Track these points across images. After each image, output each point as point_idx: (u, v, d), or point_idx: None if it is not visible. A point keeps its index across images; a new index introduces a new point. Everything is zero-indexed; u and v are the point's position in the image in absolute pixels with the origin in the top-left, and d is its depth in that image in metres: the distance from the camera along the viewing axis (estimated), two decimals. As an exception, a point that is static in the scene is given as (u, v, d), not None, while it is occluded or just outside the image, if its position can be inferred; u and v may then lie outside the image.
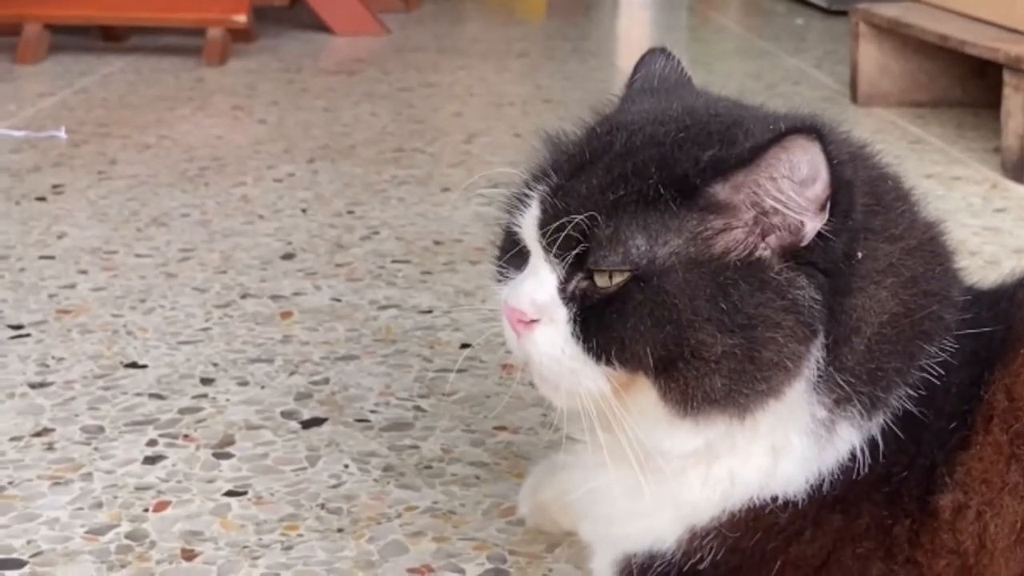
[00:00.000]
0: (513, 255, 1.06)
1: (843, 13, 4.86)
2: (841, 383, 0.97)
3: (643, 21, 6.34)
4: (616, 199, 0.97)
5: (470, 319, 1.95)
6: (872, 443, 0.99)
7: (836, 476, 0.99)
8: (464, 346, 1.85)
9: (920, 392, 0.99)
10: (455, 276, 2.15)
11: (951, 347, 1.00)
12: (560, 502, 1.26)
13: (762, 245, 0.96)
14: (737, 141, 0.98)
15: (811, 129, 0.94)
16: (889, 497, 0.99)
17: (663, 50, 1.18)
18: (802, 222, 0.95)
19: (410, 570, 1.28)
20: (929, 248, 1.03)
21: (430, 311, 1.99)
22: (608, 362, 0.97)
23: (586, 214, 0.96)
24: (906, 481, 0.99)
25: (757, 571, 1.01)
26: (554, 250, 0.99)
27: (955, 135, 3.25)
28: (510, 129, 3.36)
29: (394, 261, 2.23)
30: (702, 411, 0.97)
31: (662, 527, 1.03)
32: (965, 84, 3.57)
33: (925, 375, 0.99)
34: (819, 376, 0.97)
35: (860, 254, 0.97)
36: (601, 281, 0.97)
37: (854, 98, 3.67)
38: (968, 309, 1.04)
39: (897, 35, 3.55)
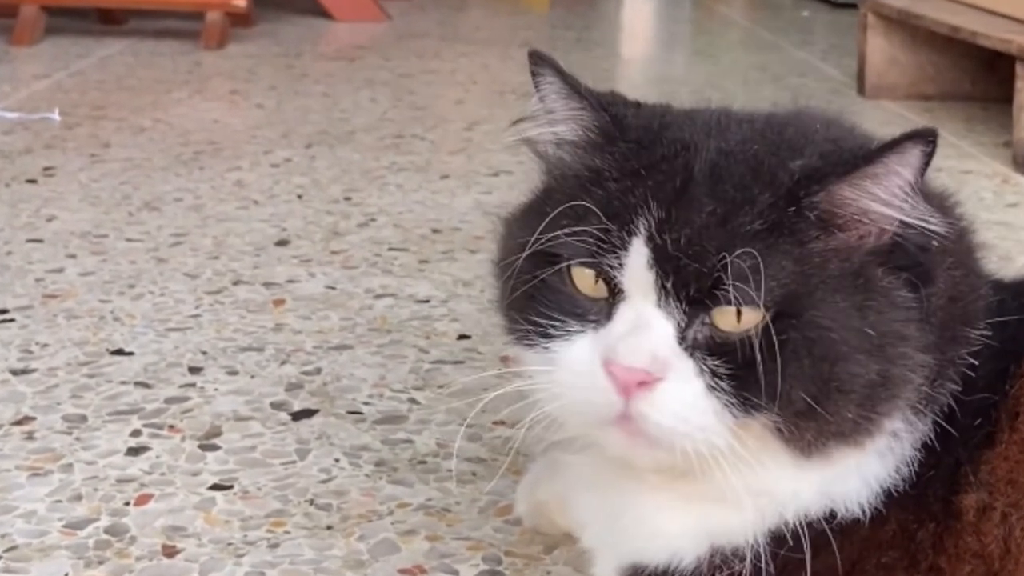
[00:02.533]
0: (564, 304, 0.92)
1: (849, 6, 4.81)
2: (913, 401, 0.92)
3: (648, 13, 6.27)
4: (743, 226, 0.87)
5: (468, 309, 1.89)
6: (924, 447, 0.93)
7: (889, 484, 0.93)
8: (462, 337, 1.79)
9: (958, 385, 0.93)
10: (453, 265, 2.09)
11: (986, 335, 0.94)
12: (559, 501, 1.21)
13: (865, 252, 0.89)
14: (805, 146, 0.91)
15: (928, 135, 0.87)
16: (916, 499, 0.93)
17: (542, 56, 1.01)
18: (894, 221, 0.89)
19: (401, 570, 1.23)
20: (958, 221, 0.98)
21: (427, 300, 1.93)
22: (751, 413, 0.87)
23: (719, 248, 0.86)
24: (932, 481, 0.93)
25: None
26: (679, 293, 0.87)
27: (965, 129, 3.20)
28: (512, 117, 3.28)
29: (391, 249, 2.17)
30: (826, 448, 0.89)
31: (684, 545, 0.97)
32: (975, 77, 3.52)
33: (964, 366, 0.93)
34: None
35: (935, 241, 0.91)
36: (726, 324, 0.87)
37: (861, 90, 3.61)
38: (994, 299, 0.98)
39: (906, 26, 3.49)
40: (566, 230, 0.91)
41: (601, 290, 0.91)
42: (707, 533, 0.96)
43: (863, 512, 0.93)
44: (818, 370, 0.86)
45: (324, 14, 5.01)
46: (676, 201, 0.88)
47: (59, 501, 1.33)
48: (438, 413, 1.55)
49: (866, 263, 0.89)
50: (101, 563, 1.22)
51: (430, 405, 1.57)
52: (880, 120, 3.26)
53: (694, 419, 0.87)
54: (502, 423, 1.52)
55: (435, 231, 2.28)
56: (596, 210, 0.90)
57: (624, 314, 0.89)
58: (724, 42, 5.26)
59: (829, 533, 0.93)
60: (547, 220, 0.92)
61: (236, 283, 1.99)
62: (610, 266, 0.89)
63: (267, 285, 1.98)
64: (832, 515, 0.93)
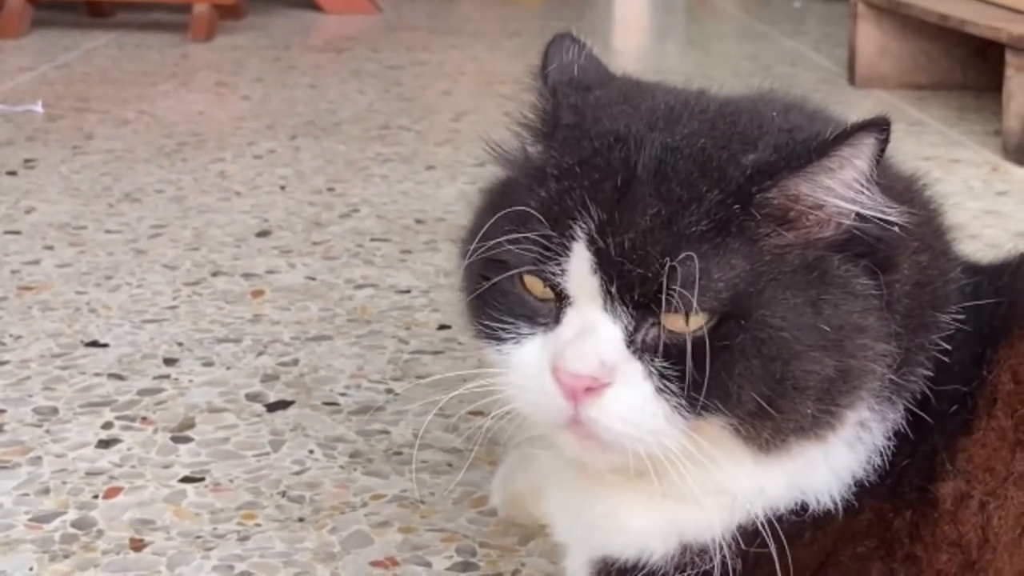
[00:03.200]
0: (516, 306, 0.90)
1: (842, -5, 4.79)
2: (880, 391, 0.89)
3: (640, 2, 6.25)
4: (688, 228, 0.83)
5: (449, 299, 1.86)
6: (897, 435, 0.90)
7: (860, 474, 0.90)
8: (442, 327, 1.77)
9: (930, 371, 0.91)
10: (436, 255, 2.07)
11: (958, 319, 0.92)
12: (535, 492, 1.18)
13: (821, 244, 0.86)
14: (758, 138, 0.88)
15: (881, 124, 0.85)
16: (891, 488, 0.90)
17: (569, 35, 1.01)
18: (851, 211, 0.86)
19: (373, 563, 1.20)
20: (926, 204, 0.95)
21: (408, 291, 1.91)
22: (702, 415, 0.84)
23: (664, 252, 0.83)
24: (907, 470, 0.90)
25: None
26: (623, 297, 0.84)
27: (955, 117, 3.17)
28: (500, 108, 3.27)
29: (373, 239, 2.15)
30: (786, 444, 0.87)
31: (652, 541, 0.94)
32: (966, 66, 3.49)
33: (936, 352, 0.91)
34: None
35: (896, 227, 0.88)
36: (674, 325, 0.84)
37: (852, 80, 3.59)
38: (968, 282, 0.96)
39: (897, 15, 3.47)
40: (508, 237, 0.88)
41: (550, 292, 0.88)
42: (675, 529, 0.93)
43: (835, 504, 0.90)
44: (769, 370, 0.83)
45: (314, 7, 4.99)
46: (619, 202, 0.85)
47: (26, 494, 1.30)
48: (415, 404, 1.52)
49: (822, 255, 0.86)
50: (67, 557, 1.20)
51: (408, 396, 1.55)
52: (871, 110, 3.21)
53: (644, 423, 0.85)
54: (479, 413, 1.49)
55: (419, 221, 2.26)
56: (537, 215, 0.87)
57: (571, 318, 0.87)
58: (716, 32, 5.24)
59: (801, 525, 0.90)
60: (491, 223, 0.90)
61: (215, 274, 1.96)
62: (553, 273, 0.86)
63: (246, 276, 1.96)
64: (804, 508, 0.91)
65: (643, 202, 0.85)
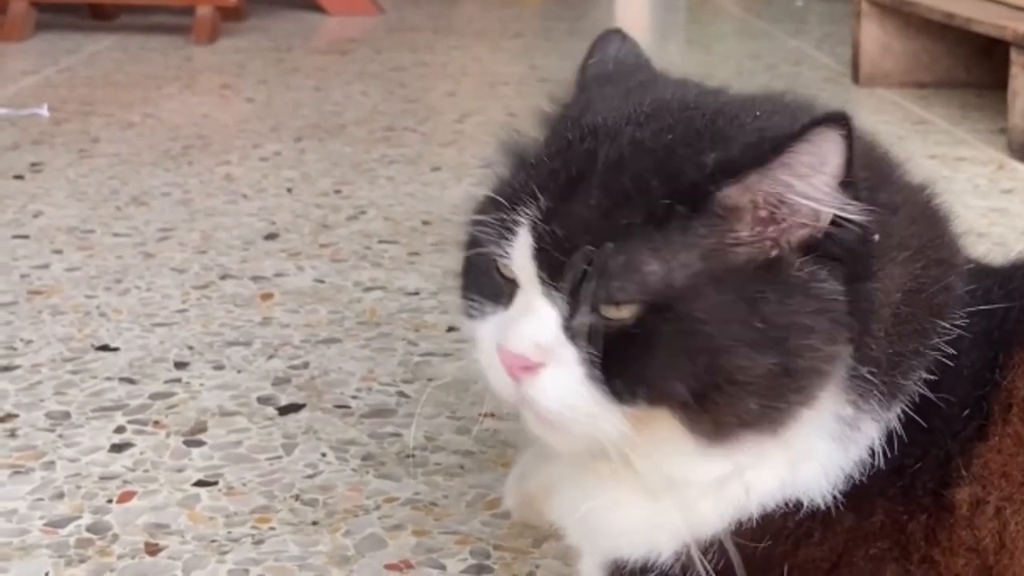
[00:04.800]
0: (485, 285, 0.94)
1: (844, -7, 4.79)
2: (866, 376, 0.89)
3: (641, 2, 6.25)
4: (622, 220, 0.86)
5: (458, 301, 1.87)
6: (890, 435, 0.91)
7: (854, 474, 0.91)
8: (451, 329, 1.77)
9: (933, 375, 0.91)
10: (443, 257, 2.07)
11: (963, 324, 0.92)
12: (548, 494, 1.18)
13: (782, 243, 0.86)
14: (732, 136, 0.88)
15: (839, 118, 0.84)
16: (904, 491, 0.91)
17: (619, 31, 1.05)
18: (819, 213, 0.86)
19: (388, 566, 1.21)
20: (929, 214, 0.95)
21: (416, 293, 1.91)
22: (632, 402, 0.86)
23: (593, 241, 0.85)
24: (920, 473, 0.91)
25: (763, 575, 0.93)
26: (556, 283, 0.87)
27: (960, 115, 3.18)
28: (504, 109, 3.28)
29: (380, 241, 2.15)
30: (733, 436, 0.88)
31: (660, 539, 0.95)
32: (970, 64, 3.49)
33: (938, 356, 0.91)
34: (848, 373, 0.88)
35: (876, 235, 0.88)
36: (610, 312, 0.86)
37: (855, 78, 3.59)
38: (978, 286, 0.96)
39: (900, 13, 3.47)
40: (477, 217, 0.93)
41: (511, 274, 0.91)
42: (679, 527, 0.93)
43: (837, 503, 0.90)
44: (695, 363, 0.84)
45: (317, 8, 4.99)
46: (568, 192, 0.88)
47: (41, 499, 1.31)
48: (427, 406, 1.53)
49: (780, 255, 0.86)
50: (82, 561, 1.20)
51: (419, 398, 1.55)
52: (875, 108, 3.24)
53: (578, 405, 0.87)
54: (490, 415, 1.50)
55: (425, 223, 2.26)
56: (501, 199, 0.90)
57: (519, 299, 0.90)
58: (718, 31, 5.24)
59: (810, 526, 0.91)
60: (479, 204, 0.95)
61: (224, 277, 1.97)
62: (501, 255, 0.90)
63: (255, 279, 1.96)
64: (798, 506, 0.91)
65: (587, 193, 0.87)
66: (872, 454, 0.90)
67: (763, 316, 0.85)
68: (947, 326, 0.92)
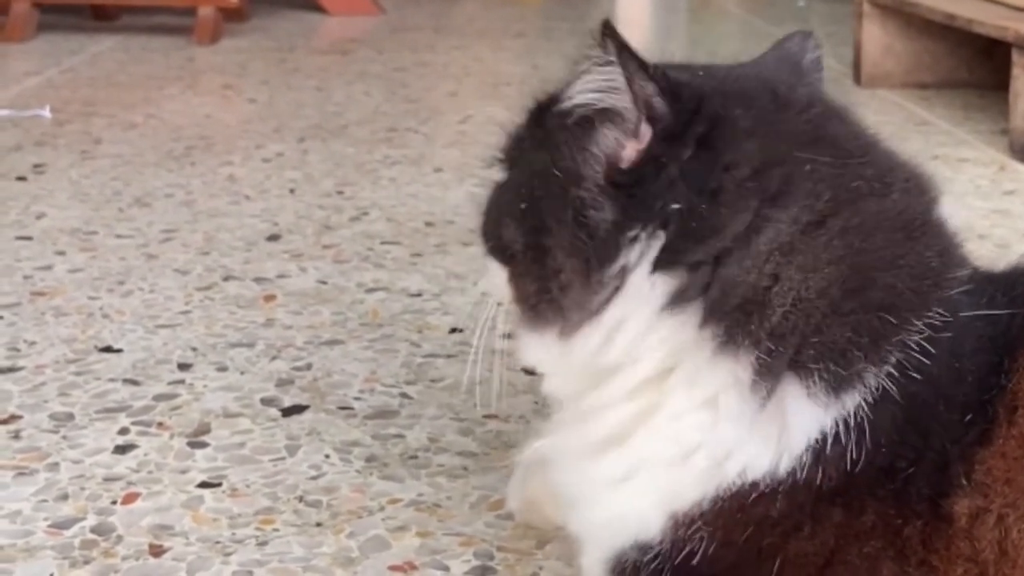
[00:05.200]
0: None
1: (846, -6, 4.79)
2: (759, 351, 0.91)
3: (642, 2, 6.25)
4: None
5: (460, 302, 1.87)
6: (858, 427, 0.90)
7: (818, 461, 0.91)
8: (454, 330, 1.77)
9: (917, 376, 0.91)
10: (446, 258, 2.07)
11: (954, 328, 0.92)
12: (551, 495, 1.19)
13: (587, 162, 0.97)
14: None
15: (606, 30, 0.94)
16: (896, 494, 0.91)
17: (804, 33, 1.10)
18: (620, 143, 0.96)
19: (392, 567, 1.21)
20: (888, 211, 0.95)
21: (419, 294, 1.91)
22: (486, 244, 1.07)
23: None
24: (914, 478, 0.91)
25: (756, 569, 0.93)
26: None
27: (962, 116, 3.18)
28: (506, 109, 3.27)
29: (383, 243, 2.15)
30: (532, 318, 1.00)
31: (643, 511, 0.97)
32: (972, 65, 3.50)
33: (921, 358, 0.91)
34: (718, 339, 0.93)
35: (725, 210, 0.93)
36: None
37: (857, 79, 3.59)
38: (979, 291, 0.96)
39: (902, 14, 3.47)
40: None
41: None
42: (657, 499, 0.96)
43: (821, 494, 0.91)
44: (491, 217, 1.08)
45: (318, 8, 4.99)
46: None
47: (45, 500, 1.31)
48: (430, 407, 1.53)
49: (588, 171, 0.98)
50: (87, 563, 1.20)
51: (422, 399, 1.55)
52: (877, 109, 3.24)
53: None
54: (494, 416, 1.50)
55: (428, 224, 2.26)
56: None
57: None
58: (720, 32, 5.24)
59: (799, 518, 0.91)
60: None
61: (226, 279, 1.97)
62: None
63: (258, 280, 1.96)
64: (773, 493, 0.92)
65: None
66: (841, 445, 0.90)
67: (530, 202, 1.00)
68: (918, 327, 0.91)
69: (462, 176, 2.59)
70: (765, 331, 0.91)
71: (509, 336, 1.09)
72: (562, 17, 5.19)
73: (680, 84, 0.96)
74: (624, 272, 0.95)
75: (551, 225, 0.97)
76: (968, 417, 0.91)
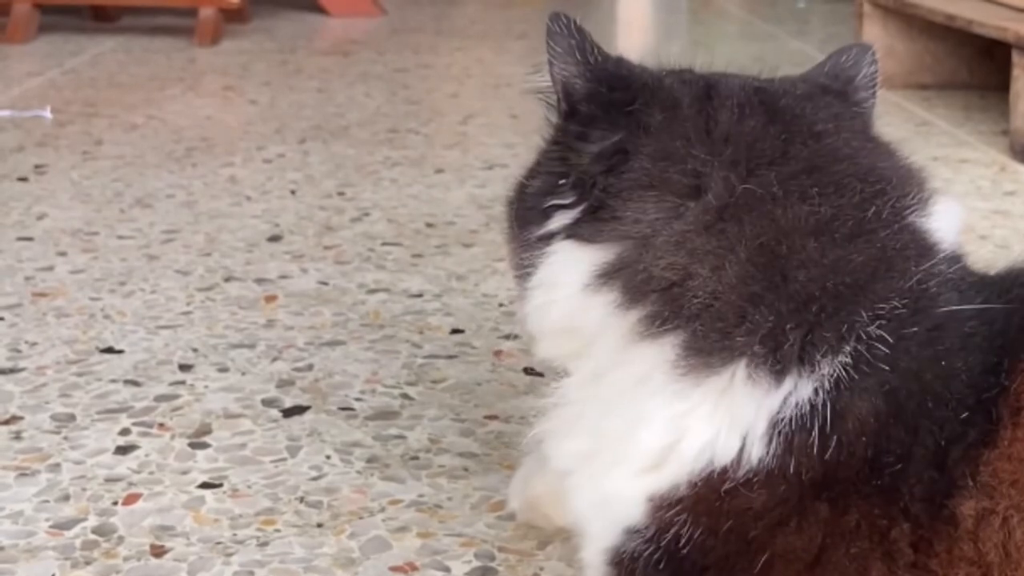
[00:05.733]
0: None
1: (847, -5, 4.79)
2: (684, 333, 0.94)
3: (643, 3, 6.25)
4: None
5: (462, 303, 1.87)
6: (824, 415, 0.90)
7: (789, 449, 0.91)
8: (455, 331, 1.77)
9: (885, 368, 0.90)
10: (447, 259, 2.07)
11: (928, 322, 0.92)
12: (553, 496, 1.19)
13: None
14: None
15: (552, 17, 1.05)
16: (882, 492, 0.90)
17: (863, 47, 1.15)
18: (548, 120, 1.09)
19: (393, 568, 1.21)
20: (818, 212, 0.96)
21: (420, 295, 1.91)
22: None
23: None
24: (903, 475, 0.90)
25: (746, 562, 0.93)
26: None
27: (962, 117, 3.18)
28: (507, 110, 3.28)
29: (384, 244, 2.15)
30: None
31: (622, 491, 0.97)
32: (972, 65, 3.50)
33: (883, 349, 0.90)
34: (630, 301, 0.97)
35: (632, 196, 0.99)
36: None
37: (858, 80, 3.59)
38: (973, 291, 0.96)
39: (902, 15, 3.47)
40: None
41: None
42: (631, 480, 0.96)
43: (803, 487, 0.91)
44: None
45: (319, 9, 4.99)
46: None
47: (46, 501, 1.31)
48: (431, 408, 1.53)
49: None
50: (88, 563, 1.20)
51: (423, 400, 1.55)
52: (877, 110, 3.23)
53: None
54: (495, 417, 1.50)
55: (429, 225, 2.26)
56: None
57: None
58: (720, 33, 5.24)
59: (786, 511, 0.91)
60: None
61: (228, 279, 1.97)
62: None
63: (259, 281, 1.96)
64: (749, 481, 0.92)
65: None
66: (792, 431, 0.91)
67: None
68: (859, 316, 0.91)
69: (463, 177, 2.59)
70: (685, 316, 0.94)
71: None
72: (563, 18, 5.18)
73: (620, 75, 1.05)
74: (549, 238, 1.03)
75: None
76: (965, 416, 0.90)
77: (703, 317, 0.94)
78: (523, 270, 1.06)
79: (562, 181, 1.04)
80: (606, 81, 1.04)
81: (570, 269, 1.01)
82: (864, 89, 1.11)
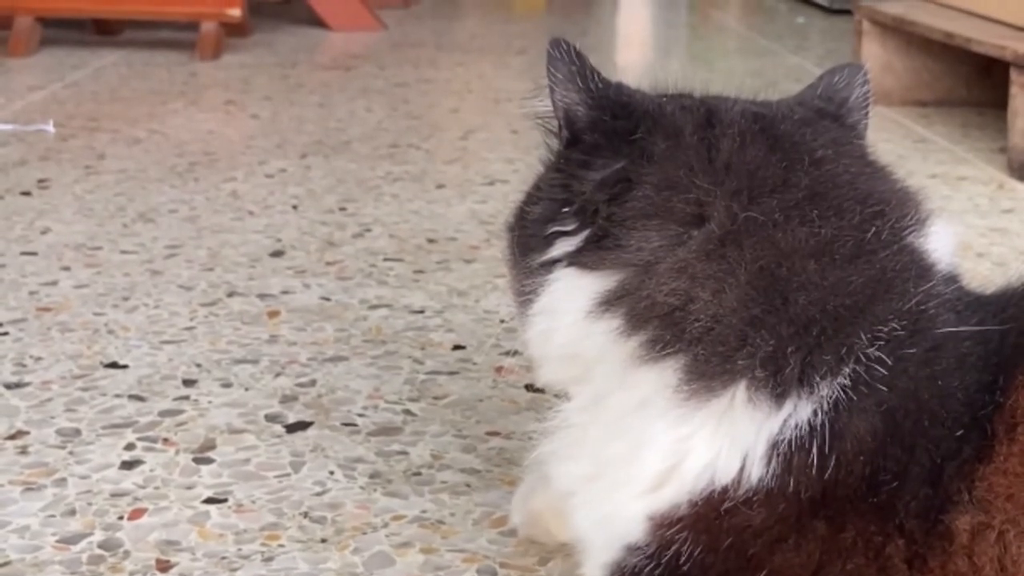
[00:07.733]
0: None
1: (845, 12, 4.82)
2: (686, 358, 0.95)
3: (643, 18, 6.28)
4: None
5: (463, 319, 1.89)
6: (823, 436, 0.91)
7: (789, 469, 0.92)
8: (457, 347, 1.79)
9: (884, 389, 0.92)
10: (449, 275, 2.09)
11: (927, 343, 0.93)
12: (555, 512, 1.20)
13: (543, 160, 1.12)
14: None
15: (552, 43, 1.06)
16: (878, 509, 0.91)
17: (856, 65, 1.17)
18: (550, 147, 1.10)
19: (396, 583, 1.22)
20: (819, 235, 0.97)
21: (422, 311, 1.93)
22: None
23: None
24: (899, 492, 0.91)
25: None
26: None
27: (960, 135, 3.20)
28: (507, 125, 3.30)
29: (386, 259, 2.17)
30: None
31: (623, 510, 0.98)
32: (970, 83, 3.52)
33: (882, 370, 0.92)
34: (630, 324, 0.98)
35: (635, 225, 0.99)
36: None
37: (857, 97, 3.60)
38: (969, 311, 0.97)
39: (901, 33, 3.49)
40: None
41: None
42: (633, 500, 0.97)
43: (800, 503, 0.92)
44: None
45: (320, 24, 5.01)
46: None
47: (52, 516, 1.32)
48: (433, 424, 1.54)
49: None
50: (94, 578, 1.21)
51: (425, 416, 1.57)
52: (876, 127, 3.23)
53: None
54: (496, 433, 1.52)
55: (430, 241, 2.28)
56: None
57: None
58: (720, 48, 5.26)
59: (784, 529, 0.92)
60: None
61: (231, 295, 1.98)
62: None
63: (262, 296, 1.98)
64: (748, 500, 0.93)
65: None
66: (792, 452, 0.92)
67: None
68: (859, 339, 0.92)
69: (464, 193, 2.60)
70: (686, 340, 0.95)
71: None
72: (563, 33, 5.16)
73: (622, 103, 1.06)
74: (551, 265, 1.04)
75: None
76: (960, 433, 0.91)
77: (704, 341, 0.95)
78: (525, 296, 1.07)
79: (564, 208, 1.04)
80: (608, 109, 1.05)
81: (572, 296, 1.02)
82: (857, 110, 1.13)
